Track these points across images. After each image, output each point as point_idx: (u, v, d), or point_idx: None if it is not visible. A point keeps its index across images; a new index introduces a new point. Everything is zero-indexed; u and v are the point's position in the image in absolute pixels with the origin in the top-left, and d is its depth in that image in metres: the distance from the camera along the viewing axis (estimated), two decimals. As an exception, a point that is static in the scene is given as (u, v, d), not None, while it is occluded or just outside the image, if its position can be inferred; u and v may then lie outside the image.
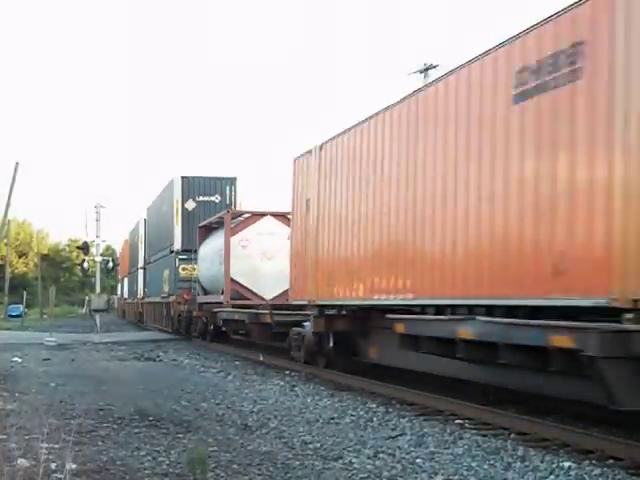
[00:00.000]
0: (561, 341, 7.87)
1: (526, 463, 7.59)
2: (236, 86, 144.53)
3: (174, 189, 28.12)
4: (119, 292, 57.31)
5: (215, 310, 23.20)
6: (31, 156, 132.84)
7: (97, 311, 31.68)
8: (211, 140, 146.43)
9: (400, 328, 11.49)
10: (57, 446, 7.30)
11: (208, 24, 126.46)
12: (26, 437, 8.05)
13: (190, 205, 27.76)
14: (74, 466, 6.86)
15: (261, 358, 18.94)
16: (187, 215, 27.60)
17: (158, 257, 32.55)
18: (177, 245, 27.87)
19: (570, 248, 8.00)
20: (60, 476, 6.42)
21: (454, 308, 10.38)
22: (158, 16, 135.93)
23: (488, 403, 10.56)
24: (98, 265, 33.20)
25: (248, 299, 21.49)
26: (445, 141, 10.60)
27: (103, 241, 33.14)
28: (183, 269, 27.38)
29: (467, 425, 9.69)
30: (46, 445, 7.27)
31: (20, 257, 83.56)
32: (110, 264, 39.11)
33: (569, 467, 7.37)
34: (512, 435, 8.97)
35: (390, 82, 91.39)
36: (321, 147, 15.12)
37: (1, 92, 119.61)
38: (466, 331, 9.69)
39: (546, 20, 8.63)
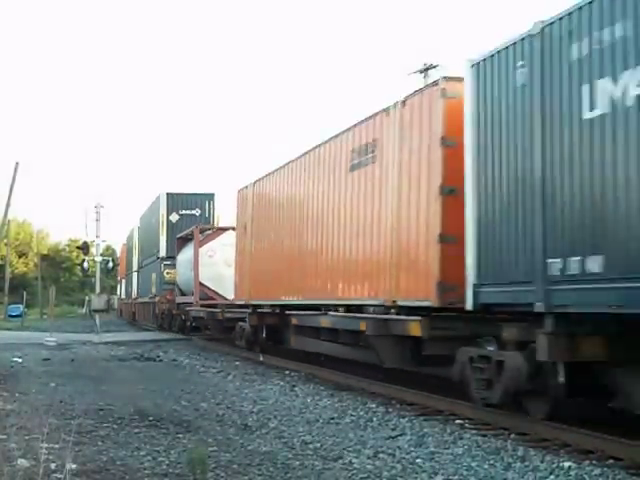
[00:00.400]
0: (362, 326, 12.35)
1: (526, 463, 7.60)
2: (235, 87, 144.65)
3: (160, 204, 32.32)
4: (118, 293, 60.66)
5: (187, 309, 27.19)
6: (31, 156, 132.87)
7: (97, 311, 31.66)
8: (211, 140, 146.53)
9: (294, 321, 16.22)
10: (57, 446, 7.30)
11: (208, 25, 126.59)
12: (26, 437, 8.05)
13: (174, 217, 31.89)
14: (74, 466, 6.86)
15: (261, 358, 18.95)
16: (171, 226, 31.49)
17: (148, 262, 36.25)
18: (162, 252, 31.77)
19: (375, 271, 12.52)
20: (60, 476, 6.42)
21: (324, 307, 14.40)
22: (158, 17, 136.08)
23: (488, 403, 10.55)
24: (98, 265, 33.18)
25: (214, 299, 24.74)
26: (311, 190, 15.62)
27: (103, 241, 33.11)
28: (167, 273, 31.04)
29: (467, 425, 9.70)
30: (46, 445, 7.27)
31: (20, 257, 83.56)
32: (110, 264, 39.07)
33: (569, 467, 7.37)
34: (512, 435, 8.97)
35: (390, 82, 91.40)
36: (254, 184, 19.79)
37: (1, 92, 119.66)
38: (325, 321, 14.26)
39: (363, 120, 13.14)
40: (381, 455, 7.96)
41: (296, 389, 13.57)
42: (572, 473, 7.19)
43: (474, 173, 9.73)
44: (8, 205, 36.18)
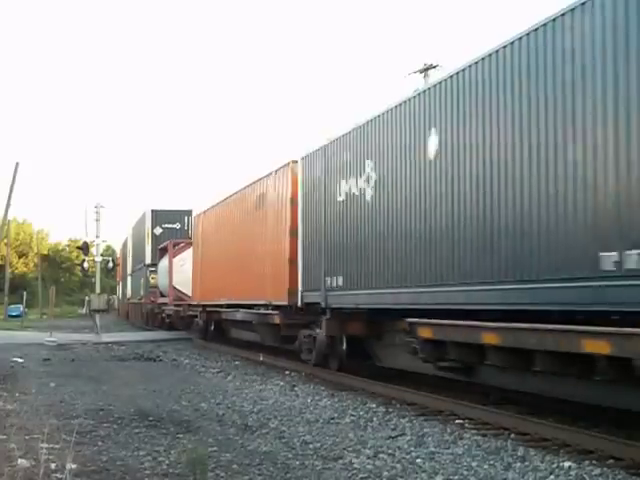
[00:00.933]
0: (255, 319, 18.74)
1: (526, 463, 7.59)
2: (235, 87, 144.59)
3: (146, 219, 37.90)
4: (118, 294, 63.76)
5: (163, 307, 33.25)
6: (31, 156, 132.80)
7: (97, 311, 31.69)
8: (209, 141, 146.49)
9: (224, 315, 22.57)
10: (57, 446, 7.31)
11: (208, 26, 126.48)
12: (26, 437, 8.05)
13: (157, 231, 36.84)
14: (74, 466, 6.86)
15: (261, 358, 18.97)
16: (155, 238, 36.46)
17: (137, 268, 42.36)
18: (148, 260, 37.09)
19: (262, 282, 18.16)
20: (60, 476, 6.42)
21: (239, 306, 20.40)
22: (159, 17, 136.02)
23: (488, 403, 10.57)
24: (98, 265, 33.21)
25: (184, 300, 28.82)
26: (235, 220, 21.53)
27: (103, 241, 33.15)
28: (152, 278, 35.77)
29: (467, 425, 9.69)
30: (46, 445, 7.28)
31: (20, 257, 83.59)
32: (110, 264, 39.07)
33: (569, 467, 7.37)
34: (512, 435, 8.97)
35: (390, 82, 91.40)
36: (204, 212, 25.81)
37: (1, 92, 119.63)
38: (239, 316, 20.49)
39: (262, 177, 18.80)
40: (381, 455, 7.96)
41: (296, 389, 13.57)
42: (572, 473, 7.18)
43: (302, 221, 16.12)
44: (8, 205, 36.15)
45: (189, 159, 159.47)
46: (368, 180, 13.06)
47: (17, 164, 35.34)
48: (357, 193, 13.50)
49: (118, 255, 61.23)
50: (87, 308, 46.35)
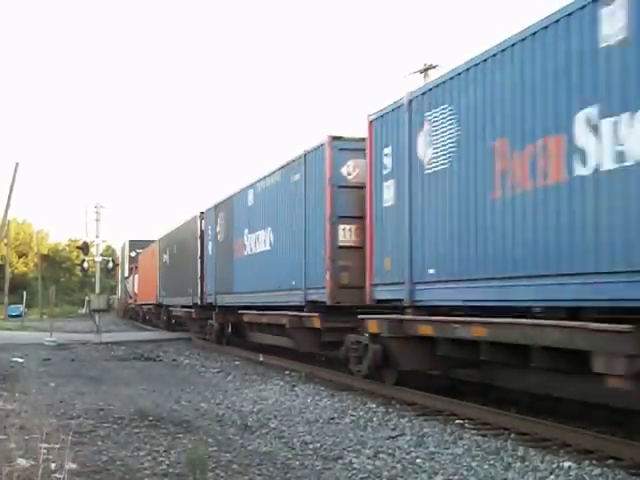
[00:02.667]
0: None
1: (526, 463, 7.59)
2: (235, 88, 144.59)
3: (126, 246, 58.30)
4: (118, 294, 69.80)
5: (130, 306, 53.08)
6: (31, 156, 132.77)
7: (97, 311, 31.68)
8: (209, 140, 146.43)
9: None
10: (57, 446, 7.30)
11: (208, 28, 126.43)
12: (26, 437, 8.04)
13: (132, 254, 53.37)
14: (74, 466, 6.87)
15: (261, 358, 18.95)
16: (131, 259, 54.09)
17: (125, 277, 59.75)
18: (126, 274, 58.22)
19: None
20: (60, 476, 6.42)
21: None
22: (159, 18, 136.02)
23: (488, 403, 10.56)
24: (98, 265, 33.19)
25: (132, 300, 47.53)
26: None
27: (103, 241, 33.11)
28: (127, 285, 57.04)
29: (467, 425, 9.69)
30: (46, 445, 7.27)
31: (20, 257, 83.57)
32: (110, 264, 39.06)
33: (569, 467, 7.37)
34: (512, 435, 8.97)
35: (390, 82, 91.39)
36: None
37: (1, 92, 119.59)
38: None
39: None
40: (381, 455, 7.96)
41: (296, 389, 13.57)
42: (572, 473, 7.18)
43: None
44: (8, 205, 36.17)
45: (189, 159, 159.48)
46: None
47: (17, 164, 35.38)
48: None
49: (117, 262, 66.70)
50: (87, 308, 46.43)
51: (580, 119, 7.95)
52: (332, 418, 10.35)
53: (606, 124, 7.61)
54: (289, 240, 16.41)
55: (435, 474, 7.15)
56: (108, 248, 67.03)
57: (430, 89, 11.07)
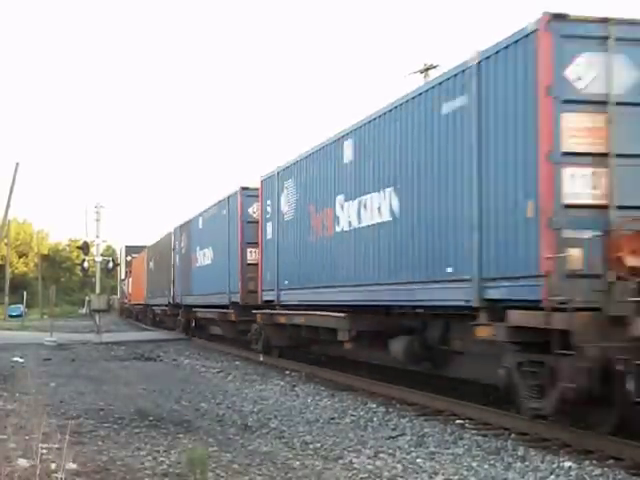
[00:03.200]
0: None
1: (526, 463, 7.59)
2: (234, 89, 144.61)
3: (122, 251, 65.23)
4: (118, 294, 72.71)
5: (125, 305, 59.00)
6: (31, 156, 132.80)
7: (97, 311, 31.70)
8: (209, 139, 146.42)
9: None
10: (57, 446, 7.30)
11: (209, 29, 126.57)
12: (26, 437, 8.03)
13: (128, 258, 58.25)
14: (74, 466, 6.86)
15: (261, 358, 18.96)
16: (127, 263, 59.85)
17: (122, 279, 66.66)
18: (122, 276, 65.72)
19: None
20: (60, 476, 6.41)
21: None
22: (161, 17, 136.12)
23: (488, 403, 10.56)
24: (98, 265, 33.21)
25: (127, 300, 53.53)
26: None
27: (103, 241, 33.15)
28: (123, 286, 64.10)
29: (467, 425, 9.69)
30: (46, 445, 7.27)
31: (20, 257, 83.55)
32: (110, 264, 39.11)
33: (569, 467, 7.37)
34: (512, 435, 8.97)
35: (390, 82, 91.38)
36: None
37: (1, 92, 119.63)
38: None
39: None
40: (381, 455, 7.96)
41: (296, 389, 13.57)
42: (572, 473, 7.18)
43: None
44: (8, 205, 36.15)
45: (188, 159, 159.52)
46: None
47: (17, 164, 35.34)
48: None
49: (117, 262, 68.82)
50: (87, 308, 46.49)
51: (337, 200, 13.85)
52: (332, 418, 10.35)
53: (346, 205, 13.50)
54: (221, 257, 22.31)
55: (435, 474, 7.15)
56: (108, 248, 66.98)
57: (286, 167, 17.00)
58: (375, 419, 10.29)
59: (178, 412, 10.70)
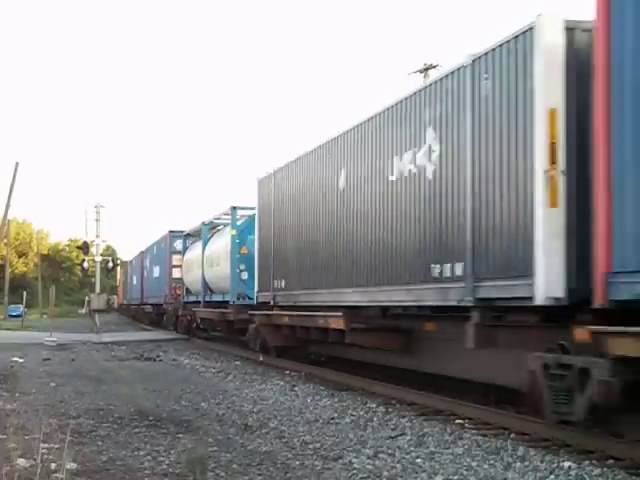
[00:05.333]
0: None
1: (526, 463, 7.59)
2: (234, 89, 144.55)
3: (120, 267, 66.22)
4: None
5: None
6: (31, 156, 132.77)
7: (97, 311, 31.69)
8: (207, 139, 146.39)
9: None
10: (57, 446, 7.30)
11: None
12: (26, 437, 8.04)
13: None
14: (74, 466, 6.86)
15: (261, 358, 18.95)
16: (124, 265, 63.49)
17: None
18: (118, 283, 69.52)
19: None
20: (60, 476, 6.41)
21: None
22: (161, 17, 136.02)
23: (488, 403, 10.56)
24: (98, 265, 33.21)
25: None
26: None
27: (103, 241, 33.14)
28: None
29: (467, 425, 9.69)
30: (46, 445, 7.27)
31: (20, 257, 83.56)
32: (110, 264, 39.14)
33: (569, 467, 7.36)
34: (512, 435, 8.96)
35: (390, 82, 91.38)
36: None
37: (1, 92, 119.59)
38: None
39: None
40: (381, 455, 7.96)
41: (296, 389, 13.57)
42: (572, 473, 7.18)
43: None
44: (8, 205, 36.20)
45: (189, 159, 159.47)
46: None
47: (17, 164, 35.41)
48: None
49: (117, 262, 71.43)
50: (87, 308, 46.50)
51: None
52: (332, 418, 10.34)
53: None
54: (162, 273, 34.94)
55: (435, 474, 7.15)
56: (108, 248, 67.04)
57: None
58: (375, 419, 10.29)
59: (178, 412, 10.70)
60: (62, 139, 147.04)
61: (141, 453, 7.89)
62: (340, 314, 13.36)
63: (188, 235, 29.80)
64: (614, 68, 7.36)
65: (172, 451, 7.95)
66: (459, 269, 9.83)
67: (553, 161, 8.18)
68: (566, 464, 7.46)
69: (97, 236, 31.89)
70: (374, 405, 11.43)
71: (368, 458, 7.80)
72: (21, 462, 6.81)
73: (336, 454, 7.99)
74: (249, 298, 20.01)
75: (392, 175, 11.65)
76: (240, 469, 7.22)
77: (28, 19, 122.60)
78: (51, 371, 16.33)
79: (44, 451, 6.96)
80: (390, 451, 8.15)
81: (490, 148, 9.21)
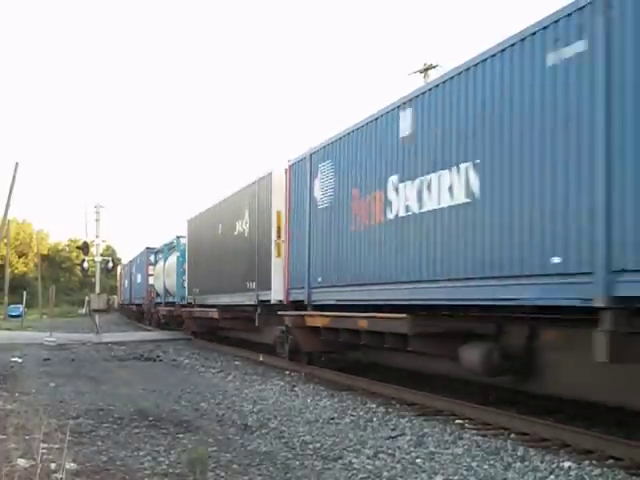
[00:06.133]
0: None
1: (526, 463, 7.59)
2: (234, 90, 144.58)
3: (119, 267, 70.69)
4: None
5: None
6: (31, 156, 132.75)
7: (97, 311, 31.70)
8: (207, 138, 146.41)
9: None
10: (57, 446, 7.30)
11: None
12: (26, 437, 8.04)
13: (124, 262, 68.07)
14: (74, 466, 6.86)
15: (261, 358, 18.96)
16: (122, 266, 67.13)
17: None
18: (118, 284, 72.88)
19: None
20: (60, 476, 6.41)
21: None
22: (161, 17, 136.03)
23: (488, 403, 10.56)
24: (98, 265, 33.21)
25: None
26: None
27: (103, 241, 33.13)
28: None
29: (467, 425, 9.69)
30: (46, 445, 7.27)
31: (20, 257, 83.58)
32: (110, 264, 39.11)
33: (569, 467, 7.37)
34: (512, 435, 8.97)
35: (391, 82, 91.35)
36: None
37: (1, 92, 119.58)
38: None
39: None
40: (381, 455, 7.96)
41: (296, 389, 13.57)
42: (572, 473, 7.18)
43: None
44: (8, 205, 36.20)
45: (189, 158, 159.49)
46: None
47: (17, 164, 35.43)
48: None
49: (117, 262, 72.76)
50: (87, 308, 46.52)
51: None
52: (332, 418, 10.34)
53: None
54: (142, 280, 42.55)
55: (435, 474, 7.15)
56: (108, 248, 67.03)
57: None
58: (375, 419, 10.29)
59: (178, 412, 10.71)
60: (62, 139, 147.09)
61: (141, 453, 7.89)
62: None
63: (157, 251, 38.62)
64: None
65: (172, 451, 7.96)
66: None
67: (279, 235, 17.16)
68: (566, 464, 7.46)
69: (97, 236, 31.89)
70: (374, 405, 11.44)
71: (368, 458, 7.80)
72: (21, 462, 6.81)
73: (336, 454, 7.99)
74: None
75: (235, 231, 20.69)
76: (240, 469, 7.22)
77: (28, 19, 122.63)
78: (51, 371, 16.33)
79: (44, 451, 6.97)
80: (390, 451, 8.15)
81: (266, 227, 18.01)
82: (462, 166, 9.93)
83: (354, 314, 13.06)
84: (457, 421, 9.95)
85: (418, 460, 7.73)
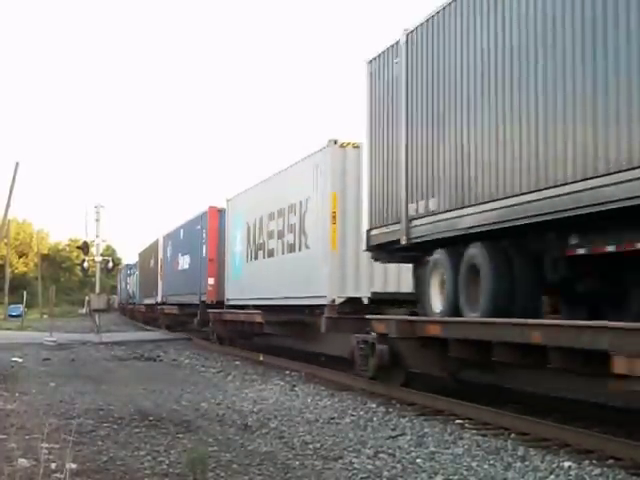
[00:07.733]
0: None
1: (526, 463, 7.58)
2: (234, 91, 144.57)
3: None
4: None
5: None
6: (31, 156, 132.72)
7: (97, 311, 31.70)
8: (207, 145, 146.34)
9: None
10: (57, 446, 7.31)
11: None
12: (26, 437, 8.04)
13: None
14: (74, 466, 6.86)
15: (261, 358, 18.95)
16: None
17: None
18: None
19: None
20: (60, 476, 6.42)
21: None
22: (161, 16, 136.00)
23: (488, 403, 10.56)
24: (98, 265, 33.23)
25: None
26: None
27: (103, 241, 33.17)
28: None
29: (467, 425, 9.68)
30: (46, 445, 7.27)
31: (20, 257, 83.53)
32: (110, 264, 39.13)
33: (569, 467, 7.36)
34: (512, 435, 8.96)
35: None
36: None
37: (1, 92, 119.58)
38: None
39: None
40: (381, 455, 7.95)
41: (296, 389, 13.56)
42: (572, 473, 7.17)
43: None
44: (8, 205, 36.19)
45: (189, 158, 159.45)
46: None
47: (17, 164, 35.40)
48: None
49: (117, 262, 75.24)
50: (87, 308, 46.55)
51: None
52: (332, 418, 10.34)
53: None
54: (126, 286, 60.70)
55: (435, 474, 7.14)
56: (108, 248, 67.00)
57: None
58: (375, 419, 10.29)
59: (178, 412, 10.70)
60: (62, 139, 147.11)
61: (141, 453, 7.89)
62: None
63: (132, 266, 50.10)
64: None
65: (172, 451, 7.95)
66: None
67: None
68: (566, 464, 7.46)
69: (97, 236, 31.91)
70: (374, 405, 11.43)
71: (368, 458, 7.80)
72: (22, 462, 6.81)
73: (336, 454, 7.98)
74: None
75: None
76: (240, 469, 7.22)
77: (28, 19, 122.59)
78: (51, 371, 16.33)
79: (45, 451, 6.96)
80: (390, 451, 8.14)
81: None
82: None
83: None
84: (457, 421, 9.94)
85: (418, 460, 7.72)
